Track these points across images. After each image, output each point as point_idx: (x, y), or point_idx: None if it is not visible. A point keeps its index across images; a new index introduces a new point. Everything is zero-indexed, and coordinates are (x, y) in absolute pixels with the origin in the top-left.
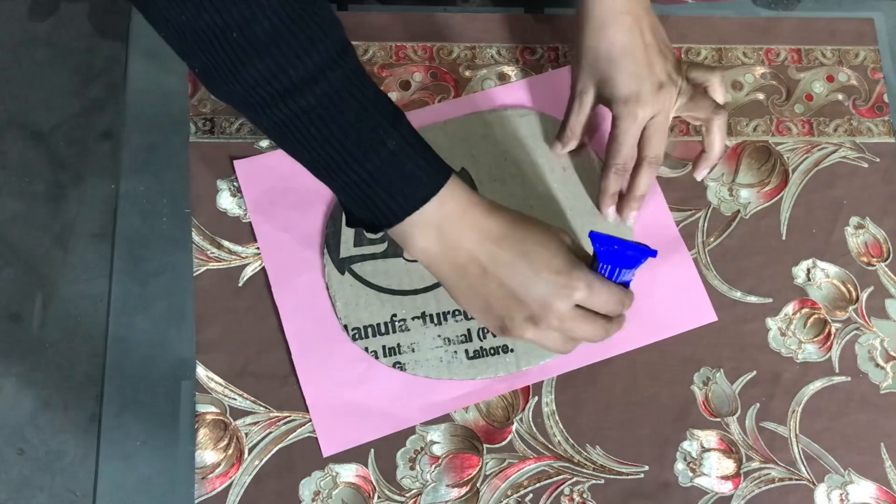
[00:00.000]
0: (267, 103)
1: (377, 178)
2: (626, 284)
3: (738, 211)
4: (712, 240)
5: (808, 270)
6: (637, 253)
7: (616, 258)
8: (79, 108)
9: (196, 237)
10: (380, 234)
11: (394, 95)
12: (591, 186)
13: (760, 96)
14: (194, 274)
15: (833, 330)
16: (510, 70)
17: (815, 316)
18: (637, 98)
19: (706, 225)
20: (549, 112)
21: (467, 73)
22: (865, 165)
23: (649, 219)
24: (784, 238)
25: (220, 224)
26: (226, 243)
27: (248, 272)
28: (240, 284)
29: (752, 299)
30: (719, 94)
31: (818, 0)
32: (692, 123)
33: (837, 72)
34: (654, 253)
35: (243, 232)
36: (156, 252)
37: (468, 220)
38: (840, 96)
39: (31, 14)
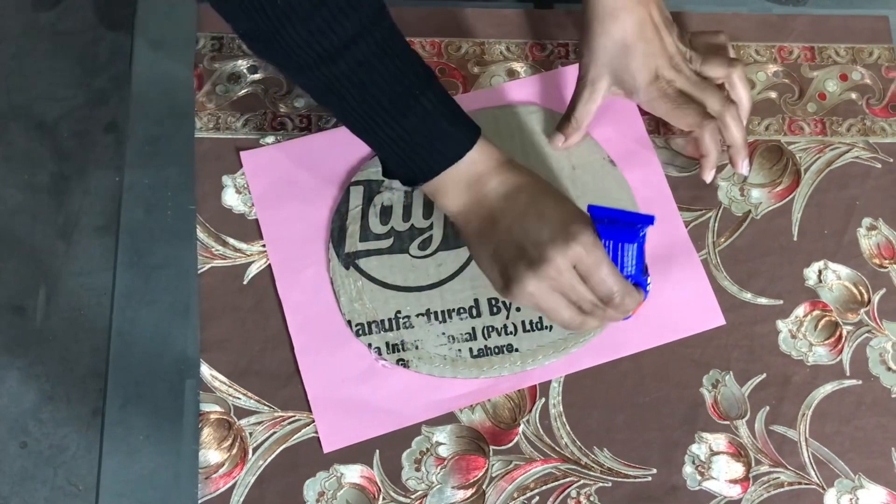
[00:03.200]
0: (308, 66)
1: (413, 136)
2: (641, 287)
3: (749, 211)
4: (723, 240)
5: (820, 272)
6: (630, 224)
7: (613, 232)
8: (83, 99)
9: (200, 234)
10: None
11: None
12: (600, 184)
13: (773, 95)
14: (199, 271)
15: (844, 333)
16: (519, 66)
17: (827, 318)
18: (657, 74)
19: (717, 225)
20: (558, 109)
21: (476, 70)
22: (879, 166)
23: (658, 221)
24: (795, 239)
25: (225, 221)
26: (230, 240)
27: (253, 270)
28: (245, 283)
29: (763, 301)
30: (726, 55)
31: None
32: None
33: (851, 70)
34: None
35: (248, 229)
36: (160, 246)
37: (496, 176)
38: (853, 95)
39: (36, 4)
